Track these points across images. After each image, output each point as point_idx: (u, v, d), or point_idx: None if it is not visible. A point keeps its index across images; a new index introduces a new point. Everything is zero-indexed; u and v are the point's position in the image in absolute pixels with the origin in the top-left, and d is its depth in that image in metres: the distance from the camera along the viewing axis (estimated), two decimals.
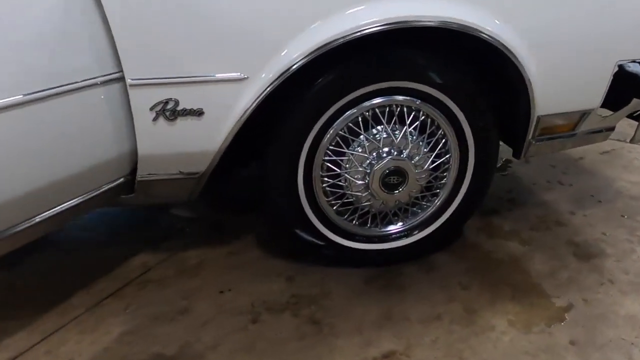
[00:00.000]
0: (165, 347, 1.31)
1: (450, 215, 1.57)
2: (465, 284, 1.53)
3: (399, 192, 1.46)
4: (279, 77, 1.21)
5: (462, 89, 1.39)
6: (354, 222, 1.53)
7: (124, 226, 1.87)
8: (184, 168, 1.35)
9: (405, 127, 1.41)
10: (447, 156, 1.49)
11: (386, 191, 1.44)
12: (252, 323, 1.39)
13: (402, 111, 1.40)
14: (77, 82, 1.14)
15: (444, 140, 1.47)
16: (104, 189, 1.32)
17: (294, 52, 1.20)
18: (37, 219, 1.21)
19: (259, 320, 1.40)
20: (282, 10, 1.18)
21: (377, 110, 1.39)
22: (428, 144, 1.45)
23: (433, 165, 1.48)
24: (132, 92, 1.18)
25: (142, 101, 1.20)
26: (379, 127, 1.41)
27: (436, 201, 1.55)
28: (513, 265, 1.61)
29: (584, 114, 1.53)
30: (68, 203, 1.26)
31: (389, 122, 1.41)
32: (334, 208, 1.49)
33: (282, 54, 1.20)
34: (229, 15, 1.16)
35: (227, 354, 1.29)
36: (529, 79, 1.37)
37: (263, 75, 1.22)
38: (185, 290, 1.52)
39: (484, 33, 1.28)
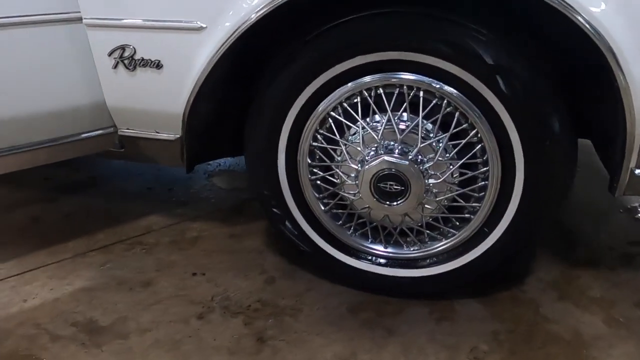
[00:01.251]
0: (105, 315, 1.22)
1: (484, 254, 1.12)
2: (481, 352, 1.08)
3: (398, 204, 1.08)
4: (238, 28, 0.97)
5: (507, 71, 0.94)
6: (350, 231, 1.20)
7: (160, 181, 1.84)
8: (159, 128, 1.21)
9: (418, 120, 1.02)
10: (484, 169, 1.05)
11: (379, 199, 1.08)
12: (197, 318, 1.20)
13: (417, 96, 1.02)
14: (40, 14, 1.07)
15: (479, 146, 1.03)
16: (85, 137, 1.27)
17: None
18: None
19: (206, 317, 1.20)
20: None
21: (381, 90, 1.03)
22: (454, 147, 1.04)
23: (461, 178, 1.07)
24: (90, 34, 1.08)
25: (101, 45, 1.09)
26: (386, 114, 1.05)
27: (463, 230, 1.12)
28: (573, 350, 1.09)
29: None
30: (42, 142, 1.23)
31: (396, 110, 1.04)
32: (325, 208, 1.19)
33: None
34: None
35: (149, 343, 1.13)
36: (627, 87, 0.86)
37: (224, 24, 0.99)
38: (163, 263, 1.40)
39: (581, 15, 0.84)
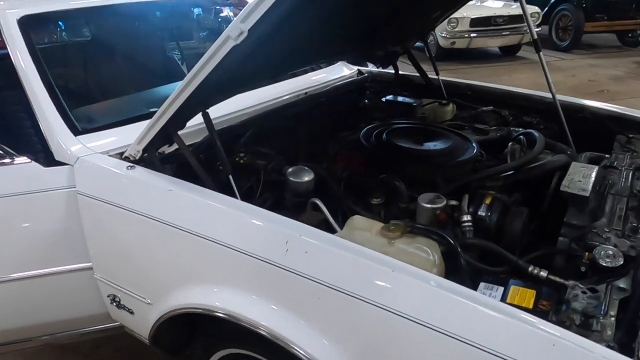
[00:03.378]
0: None
1: None
2: None
3: None
4: (160, 316, 1.46)
5: None
6: None
7: None
8: (143, 337, 1.75)
9: None
10: None
11: None
12: None
13: None
14: (76, 265, 1.70)
15: None
16: (110, 326, 1.88)
17: (167, 302, 1.43)
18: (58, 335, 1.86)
19: None
20: (162, 270, 1.44)
21: None
22: None
23: None
24: (98, 282, 1.67)
25: (103, 289, 1.67)
26: None
27: None
28: None
29: None
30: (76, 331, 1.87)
31: None
32: None
33: (164, 298, 1.45)
34: (141, 259, 1.50)
35: None
36: None
37: (158, 307, 1.49)
38: None
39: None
